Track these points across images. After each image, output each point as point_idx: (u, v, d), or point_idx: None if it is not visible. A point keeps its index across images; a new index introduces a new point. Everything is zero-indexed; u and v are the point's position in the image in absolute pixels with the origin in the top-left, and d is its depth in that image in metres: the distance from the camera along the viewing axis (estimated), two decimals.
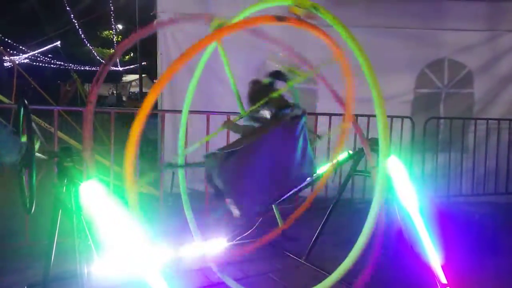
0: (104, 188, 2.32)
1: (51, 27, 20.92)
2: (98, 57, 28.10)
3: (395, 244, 3.29)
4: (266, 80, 3.07)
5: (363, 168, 3.97)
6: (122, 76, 33.18)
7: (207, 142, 4.62)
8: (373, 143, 3.17)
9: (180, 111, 4.02)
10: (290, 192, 2.97)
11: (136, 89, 27.57)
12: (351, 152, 3.77)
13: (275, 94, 2.82)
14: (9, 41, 21.12)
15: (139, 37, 2.56)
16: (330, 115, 5.26)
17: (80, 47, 26.08)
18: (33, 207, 2.48)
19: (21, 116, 2.47)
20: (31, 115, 2.47)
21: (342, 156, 3.76)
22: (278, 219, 3.49)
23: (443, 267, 3.13)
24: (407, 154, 5.84)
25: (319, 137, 4.18)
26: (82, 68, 25.95)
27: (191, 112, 3.56)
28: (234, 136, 3.09)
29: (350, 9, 5.92)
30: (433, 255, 3.14)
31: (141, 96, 10.33)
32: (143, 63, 10.79)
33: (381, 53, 5.87)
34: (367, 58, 2.32)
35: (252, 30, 2.82)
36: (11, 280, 3.37)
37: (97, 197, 2.28)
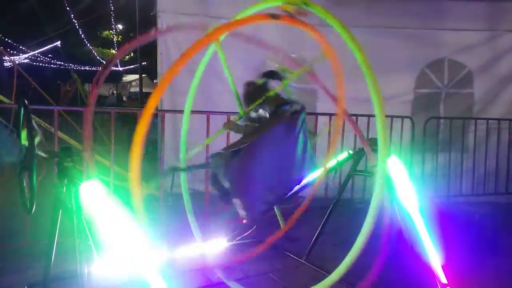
0: (104, 188, 2.32)
1: (51, 27, 20.93)
2: (98, 57, 28.10)
3: (395, 244, 3.29)
4: (260, 80, 3.08)
5: (363, 168, 3.97)
6: (122, 76, 33.16)
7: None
8: (373, 143, 3.17)
9: (180, 111, 4.02)
10: (294, 190, 2.96)
11: (136, 89, 27.54)
12: (351, 152, 3.77)
13: (271, 93, 2.82)
14: (9, 41, 21.12)
15: (138, 44, 2.57)
16: (330, 115, 5.27)
17: (80, 47, 26.07)
18: (34, 207, 2.48)
19: (21, 116, 2.47)
20: (31, 115, 2.47)
21: (342, 156, 3.76)
22: (279, 220, 3.49)
23: (443, 267, 3.13)
24: (407, 154, 5.84)
25: (314, 135, 4.18)
26: (82, 68, 25.96)
27: (191, 112, 3.56)
28: (234, 136, 3.09)
29: (350, 9, 5.92)
30: (433, 255, 3.14)
31: (141, 96, 10.31)
32: (143, 63, 10.77)
33: (381, 53, 5.87)
34: (363, 51, 2.31)
35: (246, 36, 2.82)
36: (11, 280, 3.37)
37: (97, 197, 2.28)
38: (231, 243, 4.15)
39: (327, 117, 5.31)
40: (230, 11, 3.28)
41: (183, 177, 3.51)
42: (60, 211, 2.63)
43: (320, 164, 3.15)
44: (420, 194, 3.27)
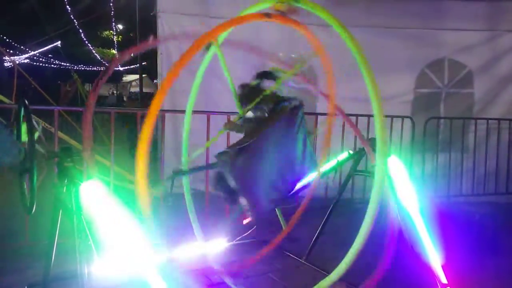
0: (105, 188, 2.32)
1: (51, 27, 20.91)
2: (98, 57, 28.09)
3: (395, 244, 3.29)
4: (254, 82, 3.08)
5: (364, 168, 3.96)
6: (122, 76, 33.17)
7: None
8: (373, 143, 3.17)
9: (180, 111, 4.01)
10: (296, 187, 2.95)
11: (136, 89, 27.55)
12: (351, 152, 3.77)
13: (267, 92, 2.82)
14: (9, 41, 21.12)
15: (138, 51, 2.57)
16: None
17: (80, 47, 26.05)
18: (34, 208, 2.48)
19: (21, 116, 2.47)
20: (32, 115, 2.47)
21: (342, 156, 3.76)
22: (281, 221, 3.49)
23: (443, 267, 3.13)
24: (407, 154, 5.84)
25: (310, 134, 4.17)
26: (82, 68, 25.96)
27: (191, 112, 3.56)
28: (234, 136, 3.09)
29: (350, 9, 5.93)
30: (433, 255, 3.14)
31: (141, 96, 10.31)
32: (143, 63, 10.77)
33: (381, 53, 5.88)
34: (359, 47, 2.30)
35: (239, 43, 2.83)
36: (11, 280, 3.37)
37: (97, 197, 2.28)
38: (231, 243, 4.15)
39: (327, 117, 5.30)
40: (230, 11, 3.28)
41: (185, 177, 3.51)
42: (60, 211, 2.63)
43: (319, 163, 3.14)
44: (420, 194, 3.27)
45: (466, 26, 6.41)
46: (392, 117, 5.74)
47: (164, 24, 6.04)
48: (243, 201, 2.71)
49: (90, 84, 28.54)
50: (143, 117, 4.73)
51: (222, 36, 3.11)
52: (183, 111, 3.58)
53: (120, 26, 29.55)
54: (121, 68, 30.03)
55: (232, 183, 2.72)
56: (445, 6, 6.43)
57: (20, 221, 4.00)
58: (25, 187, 2.50)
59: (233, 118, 3.12)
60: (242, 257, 3.85)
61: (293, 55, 5.72)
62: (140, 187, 1.77)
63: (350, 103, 5.04)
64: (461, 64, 6.64)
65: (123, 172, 5.62)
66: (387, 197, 3.11)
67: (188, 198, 3.47)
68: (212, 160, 3.01)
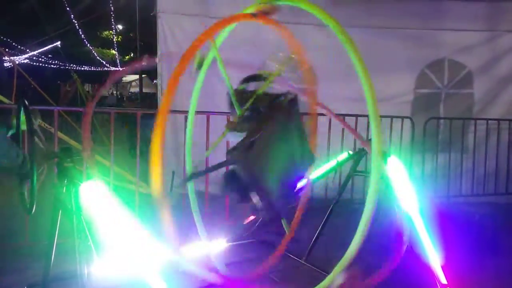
0: (104, 188, 2.33)
1: (51, 27, 20.92)
2: (98, 58, 28.09)
3: (395, 245, 3.29)
4: (240, 86, 3.07)
5: (364, 169, 3.97)
6: (122, 76, 33.15)
7: (208, 143, 4.63)
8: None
9: (180, 112, 4.01)
10: (299, 186, 2.93)
11: (136, 89, 27.57)
12: (351, 152, 3.78)
13: (260, 92, 2.81)
14: (9, 41, 21.12)
15: (141, 68, 2.59)
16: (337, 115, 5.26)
17: (80, 47, 26.06)
18: (34, 208, 2.48)
19: (20, 117, 2.47)
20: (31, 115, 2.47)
21: (342, 156, 3.76)
22: (284, 226, 3.47)
23: (443, 267, 3.13)
24: (407, 154, 5.84)
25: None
26: (82, 69, 25.95)
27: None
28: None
29: (350, 9, 5.92)
30: (433, 255, 3.15)
31: (141, 96, 10.33)
32: (143, 64, 10.79)
33: (381, 53, 5.88)
34: (352, 42, 2.29)
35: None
36: (11, 280, 3.37)
37: (97, 197, 2.28)
38: (231, 243, 4.15)
39: (327, 117, 5.30)
40: (230, 12, 3.28)
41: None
42: (60, 211, 2.63)
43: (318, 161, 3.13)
44: (420, 195, 3.27)
45: (466, 27, 6.41)
46: (392, 117, 5.75)
47: (164, 24, 6.04)
48: (255, 199, 2.67)
49: (89, 85, 28.53)
50: (143, 117, 4.75)
51: (222, 36, 3.10)
52: (183, 112, 3.58)
53: (120, 27, 29.56)
54: (121, 69, 30.03)
55: (245, 178, 2.67)
56: (445, 7, 6.43)
57: (20, 221, 4.00)
58: (25, 187, 2.50)
59: (232, 118, 3.11)
60: (242, 257, 3.86)
61: (293, 55, 5.72)
62: (156, 189, 1.75)
63: (350, 103, 5.04)
64: (461, 65, 6.64)
65: (123, 172, 5.63)
66: (386, 197, 3.11)
67: (192, 197, 3.47)
68: (213, 161, 3.00)
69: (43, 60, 25.58)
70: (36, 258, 3.48)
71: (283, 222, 3.47)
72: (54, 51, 23.05)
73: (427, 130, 6.10)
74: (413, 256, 3.15)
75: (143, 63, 2.60)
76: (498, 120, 6.48)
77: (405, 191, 3.23)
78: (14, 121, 2.48)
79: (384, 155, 3.25)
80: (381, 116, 5.22)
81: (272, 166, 2.68)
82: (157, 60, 5.39)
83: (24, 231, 3.95)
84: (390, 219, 3.21)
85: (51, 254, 2.72)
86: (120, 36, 29.93)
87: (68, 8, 19.92)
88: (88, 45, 26.07)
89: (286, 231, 3.44)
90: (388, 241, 3.17)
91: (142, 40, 12.69)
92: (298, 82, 2.83)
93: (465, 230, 4.58)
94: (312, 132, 3.08)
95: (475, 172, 6.37)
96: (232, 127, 3.02)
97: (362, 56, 2.28)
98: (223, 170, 2.90)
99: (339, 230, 4.20)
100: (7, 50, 16.97)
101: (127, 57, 30.64)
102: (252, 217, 3.68)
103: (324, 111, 3.36)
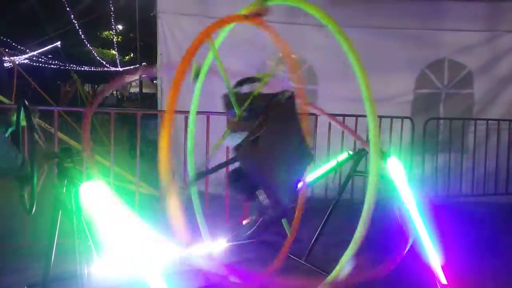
0: (106, 188, 2.33)
1: (51, 27, 20.93)
2: (98, 58, 28.10)
3: (395, 244, 3.29)
4: (234, 90, 3.06)
5: (364, 169, 3.97)
6: (123, 84, 33.16)
7: (208, 143, 4.63)
8: None
9: (180, 112, 4.00)
10: (299, 184, 2.93)
11: (136, 90, 27.57)
12: (351, 152, 3.77)
13: (255, 93, 2.81)
14: (9, 41, 21.12)
15: (142, 78, 2.59)
16: (330, 115, 5.26)
17: (80, 48, 26.07)
18: (34, 208, 2.48)
19: (20, 117, 2.47)
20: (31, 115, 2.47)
21: (342, 156, 3.76)
22: (285, 228, 3.47)
23: (443, 267, 3.13)
24: (407, 154, 5.84)
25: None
26: (82, 69, 25.95)
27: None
28: None
29: (349, 9, 5.93)
30: (433, 255, 3.15)
31: (141, 96, 10.33)
32: (143, 64, 10.80)
33: (381, 53, 5.89)
34: (348, 40, 2.29)
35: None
36: (11, 280, 3.37)
37: (97, 198, 2.28)
38: (231, 243, 4.15)
39: (327, 117, 5.30)
40: (230, 12, 3.28)
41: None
42: (60, 211, 2.63)
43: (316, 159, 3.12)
44: (420, 195, 3.27)
45: (465, 27, 6.41)
46: (391, 117, 5.75)
47: (164, 24, 6.05)
48: (262, 197, 2.66)
49: (90, 85, 28.52)
50: (143, 117, 4.75)
51: (221, 37, 3.11)
52: (183, 112, 3.58)
53: (120, 27, 29.57)
54: (121, 69, 30.04)
55: (252, 176, 2.65)
56: (444, 7, 6.43)
57: (20, 221, 4.00)
58: (25, 189, 2.50)
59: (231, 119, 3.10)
60: (242, 257, 3.86)
61: (293, 55, 5.72)
62: (167, 189, 1.75)
63: (350, 104, 5.04)
64: (461, 65, 6.65)
65: (123, 173, 5.63)
66: (385, 197, 3.11)
67: (194, 197, 3.47)
68: (213, 162, 3.00)
69: (43, 60, 25.58)
70: (36, 258, 3.48)
71: (283, 222, 3.47)
72: (54, 51, 23.05)
73: (427, 130, 6.10)
74: (413, 256, 3.15)
75: (143, 76, 2.60)
76: (498, 120, 6.48)
77: (404, 191, 3.23)
78: (14, 118, 2.48)
79: (384, 155, 3.25)
80: (381, 117, 5.30)
81: (278, 164, 2.67)
82: (155, 70, 5.41)
83: (24, 231, 3.95)
84: (390, 219, 3.21)
85: (51, 254, 2.72)
86: (120, 36, 29.94)
87: (68, 8, 19.93)
88: (88, 45, 26.08)
89: (287, 231, 3.43)
90: (387, 241, 3.17)
91: (142, 40, 12.70)
92: (295, 81, 2.83)
93: (465, 230, 4.57)
94: (306, 132, 3.07)
95: (475, 172, 6.37)
96: (233, 127, 3.02)
97: (362, 56, 2.28)
98: (223, 170, 2.90)
99: (339, 230, 4.20)
100: (7, 50, 16.96)
101: (127, 57, 30.63)
102: (251, 218, 3.68)
103: (316, 111, 3.35)
